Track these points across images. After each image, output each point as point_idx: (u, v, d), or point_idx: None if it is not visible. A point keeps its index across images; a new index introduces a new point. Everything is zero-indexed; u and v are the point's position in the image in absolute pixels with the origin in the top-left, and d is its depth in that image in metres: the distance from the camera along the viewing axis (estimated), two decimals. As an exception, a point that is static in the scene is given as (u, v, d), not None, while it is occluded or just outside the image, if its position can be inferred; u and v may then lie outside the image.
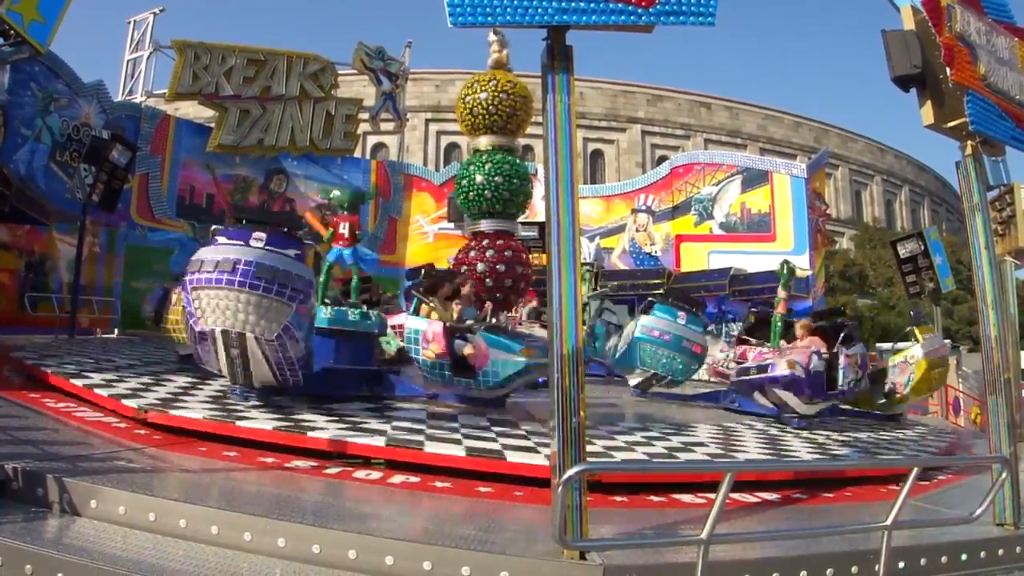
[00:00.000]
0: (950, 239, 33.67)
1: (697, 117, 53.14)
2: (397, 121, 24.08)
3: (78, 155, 15.87)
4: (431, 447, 5.94)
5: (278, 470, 5.43)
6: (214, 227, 7.10)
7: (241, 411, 6.74)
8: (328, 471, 5.49)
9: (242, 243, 6.56)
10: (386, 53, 23.06)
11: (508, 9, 4.00)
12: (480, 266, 13.01)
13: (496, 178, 13.17)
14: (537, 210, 18.35)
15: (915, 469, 4.26)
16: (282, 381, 7.11)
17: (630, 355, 11.56)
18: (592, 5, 4.03)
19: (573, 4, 4.02)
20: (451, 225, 21.55)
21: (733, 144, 50.76)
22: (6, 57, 12.67)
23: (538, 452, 6.04)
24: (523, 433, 7.09)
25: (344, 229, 9.03)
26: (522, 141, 14.89)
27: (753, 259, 20.37)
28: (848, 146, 57.46)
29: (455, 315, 8.69)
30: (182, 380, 8.34)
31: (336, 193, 10.36)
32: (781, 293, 11.82)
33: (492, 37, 14.11)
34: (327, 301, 8.79)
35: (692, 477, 5.79)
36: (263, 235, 6.65)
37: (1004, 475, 4.66)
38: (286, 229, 7.07)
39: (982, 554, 4.63)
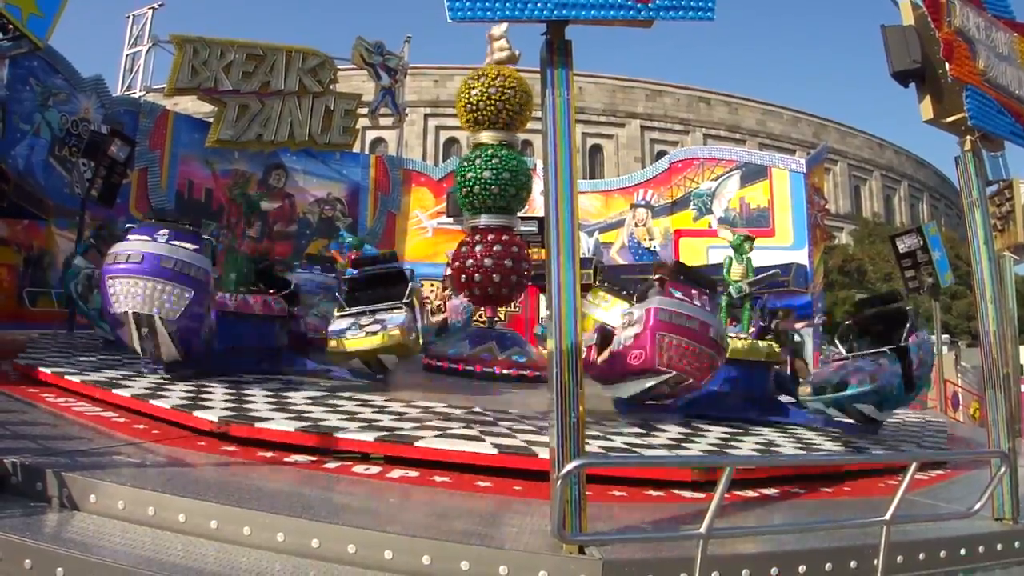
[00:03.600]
0: (949, 234, 33.64)
1: (696, 112, 53.05)
2: (396, 116, 24.01)
3: (77, 150, 15.82)
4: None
5: (277, 464, 5.44)
6: (128, 225, 8.79)
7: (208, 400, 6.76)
8: (327, 465, 5.50)
9: (149, 238, 7.96)
10: (385, 48, 22.99)
11: (507, 4, 3.99)
12: (476, 262, 13.00)
13: (496, 173, 13.15)
14: (536, 205, 18.33)
15: (914, 463, 4.27)
16: (186, 355, 8.17)
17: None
18: (591, 0, 4.02)
19: (572, -2, 4.01)
20: (450, 220, 21.51)
21: (732, 139, 50.59)
22: (5, 52, 12.62)
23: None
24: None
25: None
26: (521, 136, 14.86)
27: (752, 254, 20.34)
28: (847, 141, 57.40)
29: None
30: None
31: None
32: (737, 271, 10.12)
33: (499, 32, 14.06)
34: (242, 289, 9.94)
35: (690, 472, 5.80)
36: (166, 231, 8.10)
37: (1003, 470, 4.67)
38: (188, 225, 8.55)
39: (980, 549, 4.65)
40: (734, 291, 9.91)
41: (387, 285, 10.30)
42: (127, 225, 9.03)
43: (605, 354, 8.37)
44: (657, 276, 8.44)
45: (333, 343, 9.16)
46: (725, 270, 10.05)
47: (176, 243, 8.02)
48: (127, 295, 7.61)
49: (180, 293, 7.80)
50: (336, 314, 9.85)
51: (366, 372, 9.59)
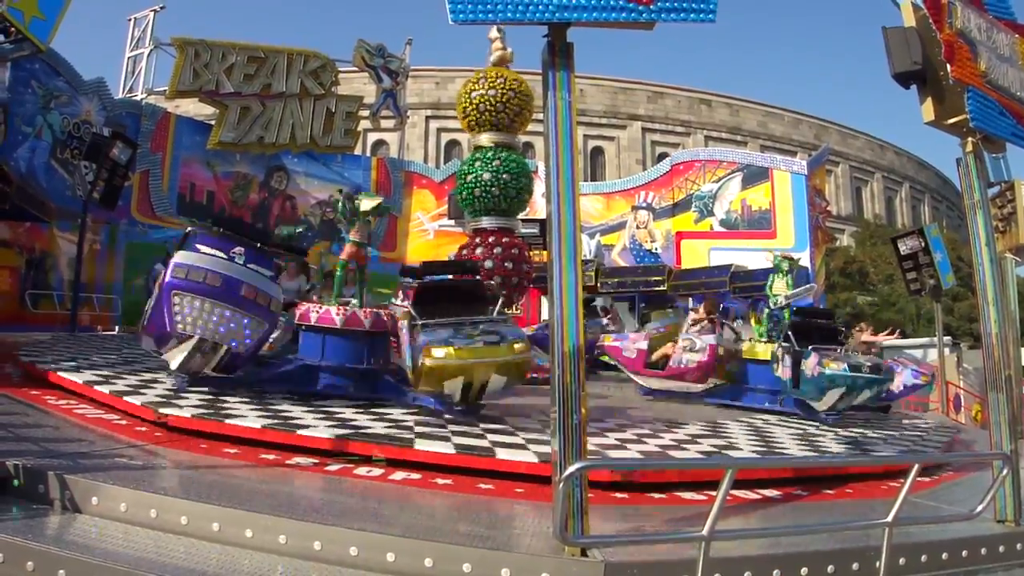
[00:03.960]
0: (950, 236, 33.62)
1: (697, 114, 53.01)
2: (397, 118, 24.03)
3: (79, 152, 15.88)
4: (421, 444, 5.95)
5: (279, 467, 5.44)
6: (189, 229, 7.83)
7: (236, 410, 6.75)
8: (329, 468, 5.50)
9: (224, 256, 7.31)
10: (386, 50, 23.00)
11: (509, 6, 3.99)
12: (486, 263, 13.00)
13: (498, 175, 13.16)
14: (538, 207, 18.34)
15: (916, 466, 4.26)
16: (221, 374, 7.62)
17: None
18: (593, 2, 4.02)
19: (574, 1, 4.01)
20: (451, 222, 21.50)
21: (733, 141, 50.60)
22: (7, 54, 12.68)
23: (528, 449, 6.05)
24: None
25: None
26: (523, 138, 14.88)
27: (754, 256, 20.33)
28: (848, 143, 57.33)
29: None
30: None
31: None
32: (780, 286, 11.25)
33: (494, 34, 14.10)
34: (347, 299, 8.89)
35: (693, 474, 5.79)
36: (242, 250, 7.48)
37: (1005, 472, 4.66)
38: (259, 245, 7.82)
39: (983, 551, 4.63)
40: (773, 303, 11.48)
41: (465, 300, 8.34)
42: (187, 229, 7.87)
43: (655, 356, 11.26)
44: (710, 315, 11.14)
45: (437, 355, 7.00)
46: (768, 286, 11.73)
47: (254, 267, 7.43)
48: (199, 319, 6.92)
49: (256, 326, 7.19)
50: (414, 323, 7.68)
51: (451, 402, 7.44)
